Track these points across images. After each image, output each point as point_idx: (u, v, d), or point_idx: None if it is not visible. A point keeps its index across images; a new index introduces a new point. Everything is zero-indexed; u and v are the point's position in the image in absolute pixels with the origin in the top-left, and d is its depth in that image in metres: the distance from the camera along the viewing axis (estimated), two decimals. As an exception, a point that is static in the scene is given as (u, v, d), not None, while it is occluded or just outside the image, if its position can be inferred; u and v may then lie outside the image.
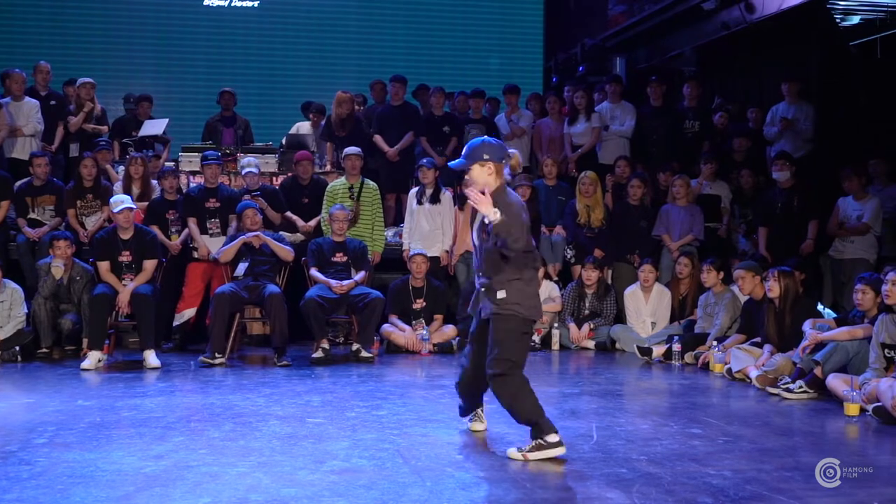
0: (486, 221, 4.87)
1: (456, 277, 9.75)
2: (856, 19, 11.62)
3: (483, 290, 5.08)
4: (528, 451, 4.86)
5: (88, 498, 4.08)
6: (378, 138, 10.84)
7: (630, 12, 14.72)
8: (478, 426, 5.51)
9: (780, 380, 6.91)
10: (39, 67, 10.84)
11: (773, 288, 7.53)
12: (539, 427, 4.91)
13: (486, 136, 5.35)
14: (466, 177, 5.12)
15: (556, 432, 4.89)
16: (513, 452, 4.91)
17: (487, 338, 5.07)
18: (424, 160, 9.93)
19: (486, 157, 5.01)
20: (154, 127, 10.92)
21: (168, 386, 7.13)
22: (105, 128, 11.08)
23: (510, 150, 5.19)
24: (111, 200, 8.44)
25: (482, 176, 5.01)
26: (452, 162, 5.32)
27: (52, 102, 10.73)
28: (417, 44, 15.11)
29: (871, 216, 9.27)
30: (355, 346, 8.38)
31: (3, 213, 9.22)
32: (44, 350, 8.33)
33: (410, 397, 6.64)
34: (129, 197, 8.63)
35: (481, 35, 15.39)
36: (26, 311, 8.28)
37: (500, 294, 4.97)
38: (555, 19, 16.37)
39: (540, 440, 4.88)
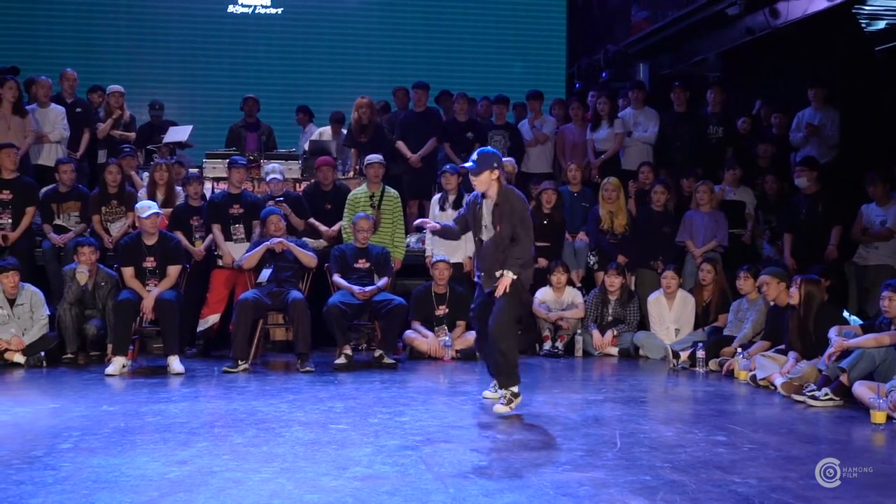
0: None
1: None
2: (881, 24, 11.53)
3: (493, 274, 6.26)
4: (507, 405, 6.13)
5: (113, 503, 4.09)
6: (401, 144, 10.86)
7: (653, 18, 14.69)
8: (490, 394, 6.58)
9: (806, 387, 6.85)
10: (66, 75, 10.92)
11: (795, 295, 7.48)
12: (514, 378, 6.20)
13: (491, 147, 6.54)
14: (473, 177, 6.19)
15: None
16: (499, 408, 6.14)
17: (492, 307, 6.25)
18: (448, 166, 9.92)
19: (495, 165, 6.13)
20: (179, 133, 10.97)
21: (192, 391, 7.15)
22: (133, 134, 11.16)
23: (507, 159, 6.32)
24: (138, 206, 8.45)
25: (488, 180, 6.15)
26: (466, 164, 6.33)
27: (78, 110, 10.79)
28: (440, 50, 15.12)
29: (894, 221, 9.20)
30: (378, 353, 8.38)
31: (28, 220, 9.27)
32: (69, 355, 8.37)
33: (433, 404, 6.63)
34: (155, 203, 8.68)
35: (504, 41, 15.38)
36: (48, 312, 8.33)
37: (499, 272, 6.18)
38: (578, 25, 16.35)
39: (511, 392, 6.17)
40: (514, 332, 6.37)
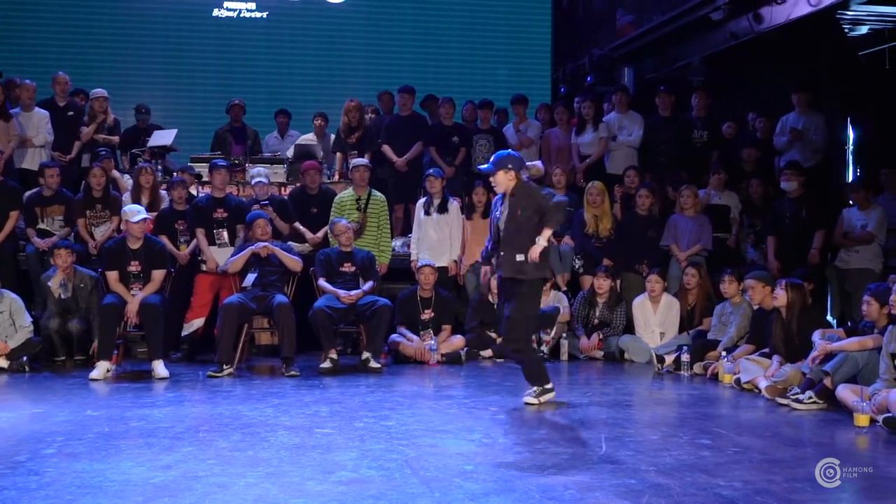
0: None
1: (465, 287, 9.73)
2: (864, 29, 11.60)
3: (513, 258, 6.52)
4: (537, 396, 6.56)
5: (97, 508, 4.08)
6: (386, 148, 10.86)
7: (638, 23, 14.72)
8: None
9: (790, 390, 6.88)
10: (58, 79, 10.88)
11: (780, 297, 7.50)
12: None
13: (511, 150, 6.87)
14: (491, 178, 6.60)
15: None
16: (528, 399, 6.57)
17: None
18: (431, 170, 9.93)
19: (509, 165, 6.47)
20: (163, 137, 10.94)
21: (176, 396, 7.13)
22: (116, 138, 11.11)
23: (533, 163, 6.83)
24: (128, 209, 8.37)
25: (504, 180, 6.49)
26: (482, 166, 6.93)
27: (70, 113, 10.78)
28: (425, 54, 15.10)
29: (875, 225, 9.26)
30: (364, 356, 8.37)
31: (12, 224, 9.24)
32: (61, 358, 8.38)
33: (419, 408, 6.62)
34: (143, 208, 8.65)
35: (489, 45, 15.37)
36: (30, 320, 8.28)
37: (520, 258, 6.46)
38: (563, 30, 16.37)
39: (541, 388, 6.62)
40: (528, 336, 6.73)
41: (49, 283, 8.33)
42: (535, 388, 6.63)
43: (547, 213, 6.49)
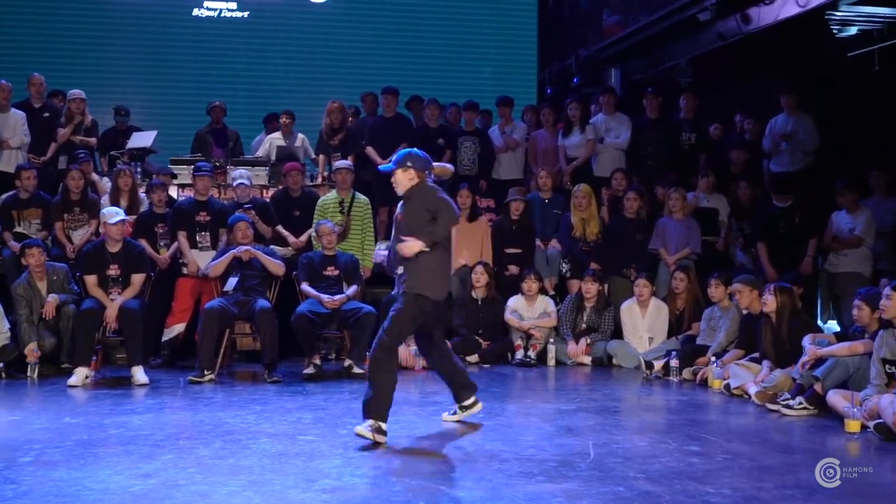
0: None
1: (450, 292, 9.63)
2: (853, 30, 11.60)
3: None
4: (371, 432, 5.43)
5: (72, 519, 4.00)
6: (370, 150, 10.78)
7: (625, 23, 14.70)
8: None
9: (780, 396, 6.83)
10: (33, 80, 10.79)
11: (769, 302, 7.45)
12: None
13: (413, 149, 6.07)
14: (392, 179, 5.91)
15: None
16: (359, 429, 5.45)
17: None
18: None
19: (408, 164, 5.82)
20: (143, 139, 10.83)
21: (156, 403, 7.05)
22: (93, 140, 11.01)
23: (440, 164, 6.19)
24: (106, 211, 8.31)
25: (403, 179, 5.84)
26: (383, 165, 6.19)
27: (46, 114, 10.68)
28: (410, 55, 15.06)
29: (863, 228, 9.23)
30: (347, 362, 8.31)
31: (-14, 227, 9.13)
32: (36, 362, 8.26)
33: (403, 414, 6.52)
34: (121, 209, 8.54)
35: (475, 46, 15.35)
36: (8, 326, 8.14)
37: (399, 270, 5.82)
38: (549, 30, 16.36)
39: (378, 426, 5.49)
40: (392, 357, 5.74)
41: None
42: (371, 422, 5.47)
43: (438, 218, 5.73)
